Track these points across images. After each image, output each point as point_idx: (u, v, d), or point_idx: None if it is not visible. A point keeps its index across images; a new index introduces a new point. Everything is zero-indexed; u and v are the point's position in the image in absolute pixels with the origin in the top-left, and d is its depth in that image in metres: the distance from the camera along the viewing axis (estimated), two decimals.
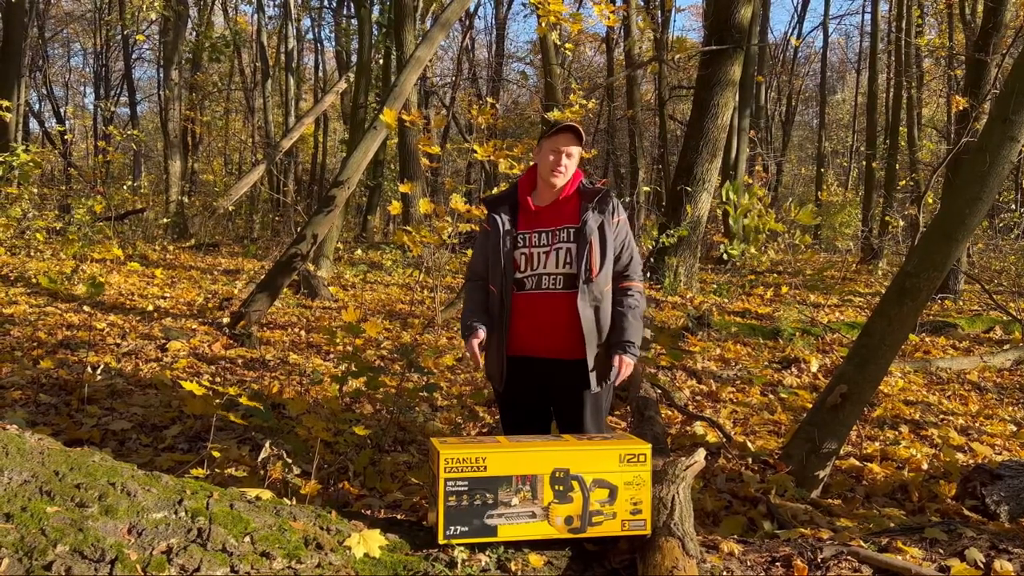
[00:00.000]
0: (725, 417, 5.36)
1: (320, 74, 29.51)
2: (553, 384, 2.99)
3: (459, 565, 2.21)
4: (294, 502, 2.42)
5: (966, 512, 3.67)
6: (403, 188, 9.98)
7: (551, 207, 3.00)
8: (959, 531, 2.70)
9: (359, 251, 15.64)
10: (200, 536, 1.99)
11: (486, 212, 3.07)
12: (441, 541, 2.27)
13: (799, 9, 38.08)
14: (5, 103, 11.88)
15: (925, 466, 4.46)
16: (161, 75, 22.91)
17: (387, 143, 19.38)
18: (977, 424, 5.45)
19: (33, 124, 27.86)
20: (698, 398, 5.92)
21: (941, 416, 5.62)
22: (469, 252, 10.04)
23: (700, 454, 2.84)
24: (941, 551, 2.52)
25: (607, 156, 24.36)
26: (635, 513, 2.38)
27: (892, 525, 3.29)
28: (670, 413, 5.29)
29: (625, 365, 2.95)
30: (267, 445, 3.19)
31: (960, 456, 4.66)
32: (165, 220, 17.56)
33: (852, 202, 21.89)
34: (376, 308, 9.16)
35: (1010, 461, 4.03)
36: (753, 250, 11.38)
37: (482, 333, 2.98)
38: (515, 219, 3.00)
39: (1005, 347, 7.83)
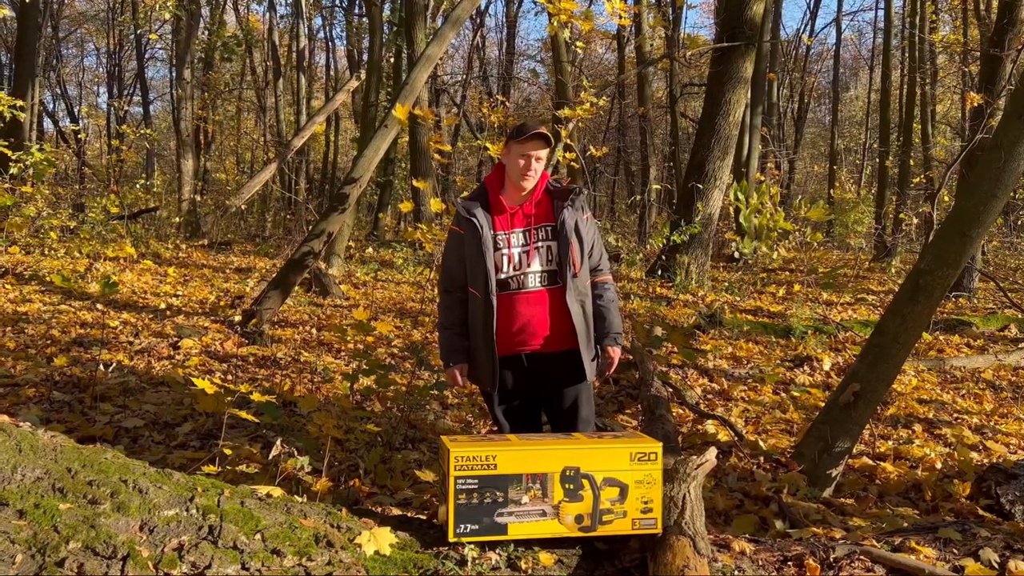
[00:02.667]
0: (737, 416, 5.34)
1: (331, 73, 29.59)
2: (544, 376, 3.07)
3: (469, 563, 2.21)
4: (305, 499, 2.42)
5: (980, 512, 3.64)
6: (417, 183, 9.96)
7: (525, 207, 3.05)
8: (973, 531, 2.67)
9: (370, 249, 15.67)
10: (211, 533, 1.99)
11: (460, 214, 3.06)
12: (451, 539, 2.26)
13: (811, 5, 37.92)
14: (20, 103, 11.97)
15: (939, 465, 4.42)
16: (174, 74, 23.04)
17: (398, 141, 19.40)
18: (992, 423, 5.40)
19: (47, 123, 28.08)
20: (710, 396, 5.90)
21: (955, 415, 5.58)
22: None
23: (711, 453, 2.82)
24: (955, 551, 2.50)
25: (618, 154, 24.31)
26: (646, 512, 2.37)
27: (905, 524, 3.27)
28: (681, 412, 5.27)
29: (615, 355, 3.13)
30: (278, 443, 3.19)
31: (974, 455, 4.62)
32: (178, 219, 17.66)
33: (865, 199, 21.76)
34: (387, 306, 9.17)
35: None
36: (765, 248, 11.35)
37: (462, 367, 3.12)
38: (491, 220, 3.03)
39: (1020, 345, 7.76)
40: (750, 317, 9.04)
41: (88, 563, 1.81)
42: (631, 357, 6.03)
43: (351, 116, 28.44)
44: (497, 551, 2.28)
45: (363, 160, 7.61)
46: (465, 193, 7.80)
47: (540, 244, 3.00)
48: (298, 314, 8.30)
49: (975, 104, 10.79)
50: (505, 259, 2.99)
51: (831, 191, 22.73)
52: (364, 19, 20.98)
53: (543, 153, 3.00)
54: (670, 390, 5.33)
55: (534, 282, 2.99)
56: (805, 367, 6.72)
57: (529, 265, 2.99)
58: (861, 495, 4.00)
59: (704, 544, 2.31)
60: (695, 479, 2.54)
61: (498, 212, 3.04)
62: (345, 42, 26.15)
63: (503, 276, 2.99)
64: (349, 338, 6.77)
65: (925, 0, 18.22)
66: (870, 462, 4.46)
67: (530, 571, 2.22)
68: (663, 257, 11.72)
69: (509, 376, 3.05)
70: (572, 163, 9.41)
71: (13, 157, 11.07)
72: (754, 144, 18.05)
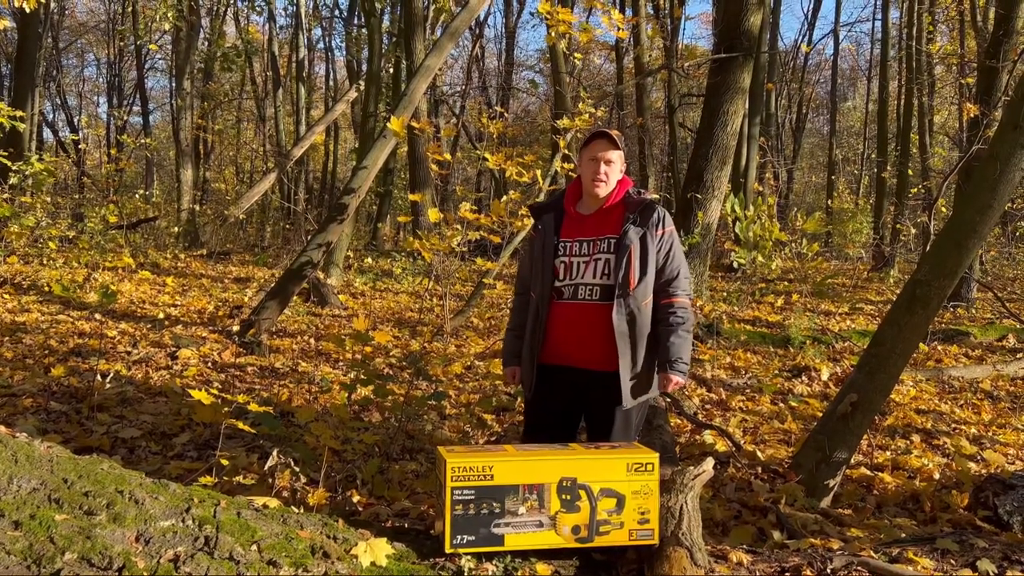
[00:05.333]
0: (735, 426, 5.33)
1: (331, 83, 29.70)
2: (585, 395, 2.97)
3: (466, 574, 2.20)
4: (301, 510, 2.42)
5: (978, 522, 3.63)
6: (413, 197, 9.98)
7: (595, 216, 2.98)
8: (971, 542, 2.67)
9: (369, 259, 15.68)
10: (207, 544, 1.99)
11: (533, 218, 3.10)
12: (448, 550, 2.26)
13: (809, 16, 38.10)
14: (19, 113, 11.98)
15: (937, 476, 4.42)
16: (173, 85, 23.11)
17: (397, 151, 19.45)
18: (990, 433, 5.40)
19: (47, 133, 28.17)
20: (708, 407, 5.89)
21: (953, 425, 5.57)
22: (479, 260, 10.08)
23: (709, 463, 2.82)
24: (953, 562, 2.50)
25: None
26: (643, 523, 2.37)
27: (903, 535, 3.26)
28: (679, 422, 5.27)
29: (671, 382, 2.88)
30: (275, 453, 3.19)
31: (972, 466, 4.61)
32: (177, 228, 17.67)
33: (863, 209, 21.81)
34: (385, 316, 9.17)
35: (1023, 471, 3.99)
36: (761, 259, 11.37)
37: (516, 369, 3.09)
38: (559, 227, 2.99)
39: (1018, 355, 7.76)
40: (748, 327, 9.04)
41: (84, 574, 1.81)
42: None
43: (350, 126, 28.54)
44: (494, 562, 2.27)
45: (362, 171, 7.63)
46: (465, 203, 7.82)
47: (600, 256, 2.89)
48: (296, 324, 8.30)
49: (972, 115, 10.84)
50: (563, 267, 2.93)
51: (829, 201, 22.77)
52: (363, 30, 21.06)
53: (613, 155, 2.91)
54: (668, 400, 5.32)
55: (584, 294, 2.89)
56: (803, 377, 6.72)
57: (583, 276, 2.90)
58: (859, 506, 3.99)
59: (701, 555, 2.31)
60: (692, 489, 2.54)
61: (568, 219, 3.01)
62: (344, 53, 26.24)
63: (559, 284, 2.93)
64: (347, 348, 6.76)
65: (922, 11, 18.32)
66: (868, 472, 4.45)
67: None
68: None
69: (550, 386, 2.97)
70: (571, 173, 9.43)
71: (13, 167, 11.10)
72: (752, 154, 18.11)
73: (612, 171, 2.93)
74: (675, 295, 2.92)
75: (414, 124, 7.87)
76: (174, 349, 6.48)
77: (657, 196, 18.94)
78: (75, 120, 31.01)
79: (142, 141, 22.11)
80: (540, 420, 3.08)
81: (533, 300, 2.99)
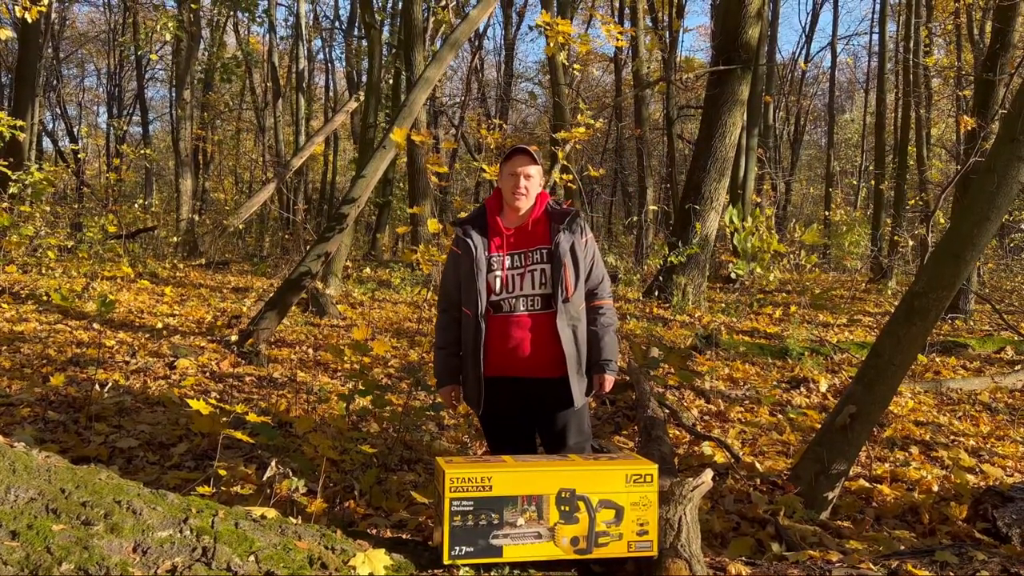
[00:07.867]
0: (733, 437, 5.33)
1: (330, 94, 29.78)
2: (534, 402, 3.03)
3: None
4: (299, 521, 2.41)
5: (977, 535, 3.63)
6: (413, 211, 9.98)
7: (521, 229, 3.04)
8: (970, 554, 2.67)
9: (368, 269, 15.68)
10: (205, 555, 1.99)
11: (457, 235, 3.09)
12: (446, 561, 2.25)
13: (807, 29, 38.32)
14: (20, 123, 12.02)
15: (936, 488, 4.42)
16: (173, 95, 23.18)
17: (396, 162, 19.47)
18: (988, 445, 5.40)
19: (47, 143, 28.19)
20: (706, 418, 5.89)
21: (952, 437, 5.57)
22: None
23: (708, 475, 2.82)
24: (952, 574, 2.49)
25: (615, 175, 24.44)
26: (642, 534, 2.36)
27: (902, 548, 3.26)
28: (678, 433, 5.27)
29: (607, 382, 3.06)
30: (273, 463, 3.18)
31: (971, 478, 4.61)
32: (176, 238, 17.67)
33: (861, 221, 21.86)
34: (384, 326, 9.17)
35: (1022, 483, 3.99)
36: (760, 270, 11.41)
37: (455, 388, 3.11)
38: (487, 241, 3.03)
39: (1017, 368, 7.77)
40: (747, 338, 9.04)
41: None
42: (627, 378, 6.03)
43: (350, 137, 28.62)
44: (492, 573, 2.27)
45: (361, 181, 7.65)
46: (462, 214, 7.83)
47: (534, 267, 2.96)
48: (295, 334, 8.29)
49: (969, 127, 10.90)
50: (498, 280, 2.97)
51: (827, 213, 22.81)
52: (363, 41, 21.15)
53: (532, 170, 2.99)
54: (666, 411, 5.32)
55: (526, 305, 2.96)
56: (802, 388, 6.72)
57: (521, 288, 2.96)
58: (858, 518, 3.98)
59: (700, 567, 2.30)
60: (691, 501, 2.54)
61: (494, 233, 3.04)
62: (344, 64, 26.36)
63: (495, 298, 2.97)
64: (346, 358, 6.76)
65: (919, 25, 18.41)
66: (867, 484, 4.45)
67: None
68: (660, 278, 11.74)
69: (499, 398, 3.00)
70: (570, 184, 9.47)
71: (13, 177, 11.11)
72: (750, 166, 18.17)
73: (532, 185, 3.01)
74: (603, 297, 3.10)
75: (414, 135, 7.90)
76: (172, 359, 6.47)
77: (655, 208, 18.98)
78: (75, 130, 31.08)
79: (142, 151, 22.16)
80: (500, 433, 3.14)
81: (468, 316, 3.00)
